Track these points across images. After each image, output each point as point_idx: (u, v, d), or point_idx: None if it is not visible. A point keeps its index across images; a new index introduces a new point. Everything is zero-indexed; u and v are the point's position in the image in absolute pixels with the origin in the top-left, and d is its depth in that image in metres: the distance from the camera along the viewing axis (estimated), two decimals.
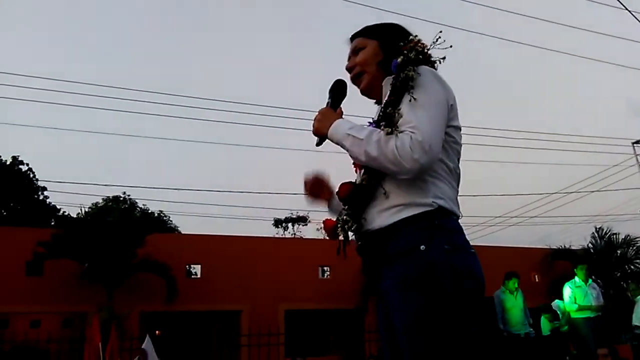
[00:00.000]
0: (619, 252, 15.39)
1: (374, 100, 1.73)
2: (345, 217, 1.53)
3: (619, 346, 8.84)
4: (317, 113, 1.59)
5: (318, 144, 1.60)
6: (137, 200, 23.87)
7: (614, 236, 15.57)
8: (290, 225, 27.64)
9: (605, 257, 15.02)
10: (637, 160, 10.77)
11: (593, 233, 15.94)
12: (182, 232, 21.69)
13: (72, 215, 22.05)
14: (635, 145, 10.85)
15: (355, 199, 1.51)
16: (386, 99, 1.49)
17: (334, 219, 1.69)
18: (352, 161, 1.74)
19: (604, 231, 15.75)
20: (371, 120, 1.54)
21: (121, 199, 23.68)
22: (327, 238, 1.67)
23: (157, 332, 13.92)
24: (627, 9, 6.76)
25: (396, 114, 1.42)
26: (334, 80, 1.69)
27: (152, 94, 22.90)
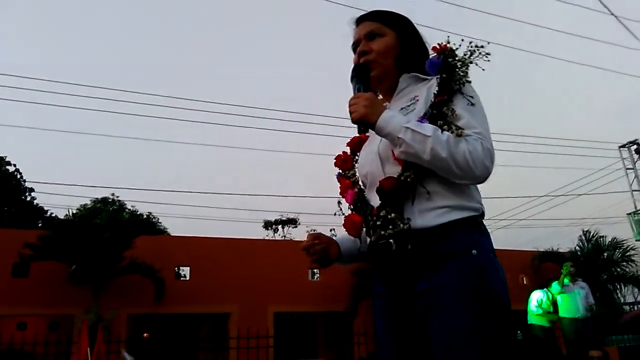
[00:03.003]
0: (605, 254, 15.54)
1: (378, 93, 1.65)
2: (383, 211, 1.41)
3: (606, 348, 8.92)
4: (357, 98, 1.45)
5: (362, 132, 1.51)
6: (125, 202, 23.72)
7: (601, 239, 15.73)
8: (280, 227, 27.62)
9: (592, 259, 15.16)
10: (624, 163, 10.88)
11: (580, 236, 16.10)
12: (172, 234, 21.57)
13: (59, 216, 21.86)
14: (621, 149, 10.95)
15: (398, 195, 1.41)
16: (433, 98, 1.44)
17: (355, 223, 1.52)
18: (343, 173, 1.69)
19: (591, 234, 15.91)
20: (421, 116, 1.42)
21: (110, 200, 23.51)
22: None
23: (145, 334, 13.83)
24: (614, 14, 6.84)
25: (453, 115, 1.39)
26: (354, 65, 1.59)
27: (142, 95, 22.79)
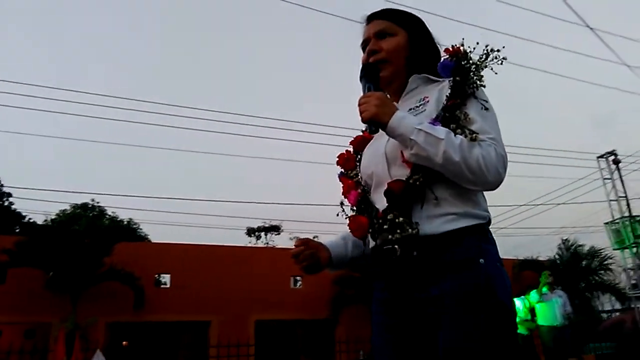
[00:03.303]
0: (584, 263, 15.77)
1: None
2: (390, 215, 1.37)
3: (584, 356, 9.03)
4: (367, 97, 1.41)
5: (373, 132, 1.43)
6: (106, 208, 23.40)
7: (580, 248, 15.97)
8: (263, 234, 27.50)
9: (570, 268, 15.37)
10: (602, 174, 11.08)
11: (559, 244, 16.32)
12: (153, 241, 21.32)
13: (38, 222, 21.47)
14: (599, 159, 11.16)
15: (407, 199, 1.37)
16: (446, 101, 1.41)
17: (360, 226, 1.48)
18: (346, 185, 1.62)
19: (570, 243, 16.14)
20: (433, 119, 1.38)
21: (90, 206, 23.17)
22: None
23: (123, 342, 13.62)
24: (590, 27, 6.99)
25: (466, 119, 1.36)
26: (363, 65, 1.54)
27: (123, 100, 22.56)
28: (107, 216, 23.35)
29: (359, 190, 1.56)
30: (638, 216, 10.58)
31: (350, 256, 1.61)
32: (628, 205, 10.67)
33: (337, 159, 1.67)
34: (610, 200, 10.87)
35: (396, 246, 1.36)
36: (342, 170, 1.67)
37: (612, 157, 11.00)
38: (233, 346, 11.23)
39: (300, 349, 14.84)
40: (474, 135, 1.31)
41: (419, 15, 1.65)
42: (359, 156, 1.65)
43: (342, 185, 1.64)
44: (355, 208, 1.55)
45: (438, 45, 1.60)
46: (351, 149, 1.69)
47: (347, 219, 1.54)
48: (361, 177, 1.58)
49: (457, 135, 1.31)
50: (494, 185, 1.33)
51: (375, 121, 1.37)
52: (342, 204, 1.65)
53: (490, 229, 1.44)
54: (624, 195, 10.78)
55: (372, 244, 1.46)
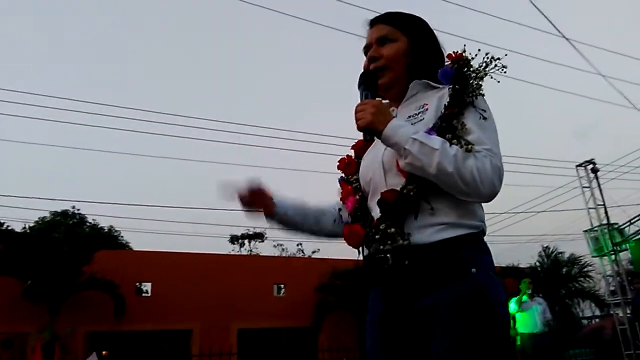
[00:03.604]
0: (564, 270, 15.99)
1: (385, 100, 1.60)
2: (383, 225, 1.37)
3: None
4: (364, 105, 1.40)
5: (368, 140, 1.43)
6: (86, 215, 23.05)
7: (560, 255, 16.20)
8: (246, 241, 27.34)
9: (551, 275, 15.56)
10: (580, 182, 11.25)
11: (540, 252, 16.55)
12: (134, 249, 21.05)
13: (16, 230, 21.05)
14: (578, 168, 11.34)
15: (399, 209, 1.36)
16: (444, 110, 1.39)
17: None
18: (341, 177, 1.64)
19: (550, 250, 16.37)
20: (430, 127, 1.37)
21: (70, 213, 22.81)
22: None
23: (103, 352, 13.39)
24: (565, 37, 7.14)
25: (463, 129, 1.33)
26: (361, 72, 1.53)
27: (103, 106, 22.34)
28: (88, 224, 22.99)
29: (357, 197, 1.55)
30: (616, 224, 10.75)
31: (306, 225, 1.68)
32: (606, 213, 10.85)
33: (338, 163, 1.65)
34: (589, 208, 11.03)
35: (388, 255, 1.35)
36: (343, 174, 1.65)
37: (591, 166, 11.17)
38: (215, 355, 11.11)
39: (284, 357, 14.74)
40: (470, 146, 1.29)
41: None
42: (360, 161, 1.63)
43: (341, 190, 1.63)
44: (351, 215, 1.54)
45: (443, 50, 1.56)
46: (352, 154, 1.67)
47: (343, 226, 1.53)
48: (360, 183, 1.57)
49: (452, 146, 1.29)
50: (488, 197, 1.31)
51: (371, 129, 1.37)
52: (339, 210, 1.65)
53: (484, 238, 1.42)
54: (602, 203, 10.95)
55: (366, 251, 1.45)
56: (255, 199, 1.64)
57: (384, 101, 1.60)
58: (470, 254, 1.33)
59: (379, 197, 1.41)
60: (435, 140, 1.29)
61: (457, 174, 1.26)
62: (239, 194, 1.62)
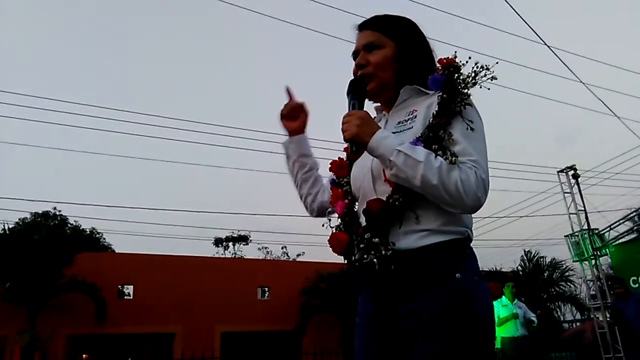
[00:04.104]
0: (545, 274, 16.18)
1: (376, 103, 1.62)
2: (367, 234, 1.38)
3: None
4: (349, 116, 1.41)
5: (354, 152, 1.41)
6: (68, 217, 22.73)
7: (542, 259, 16.39)
8: (231, 244, 27.21)
9: (533, 279, 15.73)
10: (562, 187, 11.40)
11: (522, 256, 16.73)
12: (117, 251, 20.81)
13: None
14: (560, 173, 11.49)
15: (385, 217, 1.37)
16: (432, 119, 1.38)
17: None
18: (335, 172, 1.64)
19: (532, 254, 16.55)
20: (417, 138, 1.37)
21: (51, 214, 22.49)
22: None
23: (84, 356, 13.21)
24: (547, 45, 7.24)
25: (450, 140, 1.33)
26: (351, 80, 1.52)
27: (87, 106, 22.09)
28: (69, 225, 22.68)
29: (346, 201, 1.55)
30: (596, 229, 10.90)
31: (309, 166, 1.77)
32: (587, 218, 11.00)
33: (330, 166, 1.65)
34: (570, 214, 11.17)
35: (374, 260, 1.36)
36: (335, 177, 1.65)
37: (572, 172, 11.32)
38: (197, 359, 11.01)
39: None
40: (454, 158, 1.29)
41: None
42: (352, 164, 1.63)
43: (331, 193, 1.63)
44: (340, 219, 1.54)
45: (434, 54, 1.55)
46: (344, 157, 1.67)
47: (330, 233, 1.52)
48: (350, 187, 1.57)
49: (437, 158, 1.30)
50: (472, 209, 1.31)
51: (356, 141, 1.38)
52: (329, 213, 1.66)
53: (470, 243, 1.43)
54: (583, 208, 11.10)
55: (353, 257, 1.45)
56: (296, 113, 1.76)
57: (375, 104, 1.63)
58: (454, 260, 1.34)
59: (364, 207, 1.42)
60: (420, 152, 1.30)
61: (441, 186, 1.27)
62: (290, 100, 1.75)
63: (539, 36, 6.89)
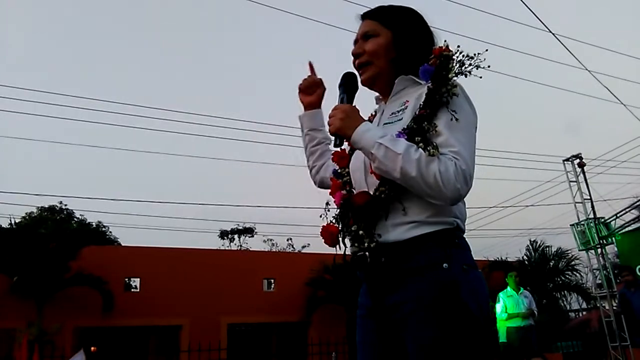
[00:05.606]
0: (551, 263, 16.14)
1: (376, 93, 1.64)
2: (354, 226, 1.41)
3: (551, 355, 9.22)
4: (335, 110, 1.45)
5: (338, 145, 1.46)
6: (74, 211, 22.84)
7: (547, 249, 16.35)
8: (236, 236, 27.30)
9: (539, 268, 15.71)
10: (567, 176, 11.33)
11: (528, 246, 16.68)
12: (123, 244, 20.92)
13: (3, 225, 20.83)
14: (565, 162, 11.41)
15: (371, 209, 1.39)
16: (418, 110, 1.39)
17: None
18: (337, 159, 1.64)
19: (538, 244, 16.50)
20: (402, 130, 1.38)
21: (57, 209, 22.60)
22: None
23: (92, 348, 13.33)
24: (552, 32, 7.17)
25: (434, 131, 1.34)
26: (344, 73, 1.55)
27: (93, 100, 22.11)
28: (75, 219, 22.80)
29: (344, 192, 1.56)
30: (602, 218, 10.84)
31: (318, 139, 1.84)
32: (593, 207, 10.93)
33: (332, 156, 1.66)
34: (576, 203, 11.11)
35: (366, 253, 1.38)
36: (337, 167, 1.66)
37: (577, 160, 11.24)
38: (204, 351, 11.09)
39: (274, 352, 14.77)
40: (433, 150, 1.29)
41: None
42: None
43: (331, 184, 1.65)
44: (337, 210, 1.56)
45: (435, 41, 1.54)
46: (347, 148, 1.66)
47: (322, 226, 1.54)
48: (350, 178, 1.59)
49: (417, 150, 1.31)
50: (453, 200, 1.31)
51: (339, 134, 1.42)
52: (327, 204, 1.66)
53: (461, 234, 1.43)
54: (588, 197, 11.04)
55: (346, 249, 1.48)
56: (313, 89, 1.83)
57: (376, 94, 1.64)
58: (443, 250, 1.35)
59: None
60: (400, 145, 1.32)
61: (419, 178, 1.28)
62: (312, 74, 1.83)
63: (543, 24, 6.84)
